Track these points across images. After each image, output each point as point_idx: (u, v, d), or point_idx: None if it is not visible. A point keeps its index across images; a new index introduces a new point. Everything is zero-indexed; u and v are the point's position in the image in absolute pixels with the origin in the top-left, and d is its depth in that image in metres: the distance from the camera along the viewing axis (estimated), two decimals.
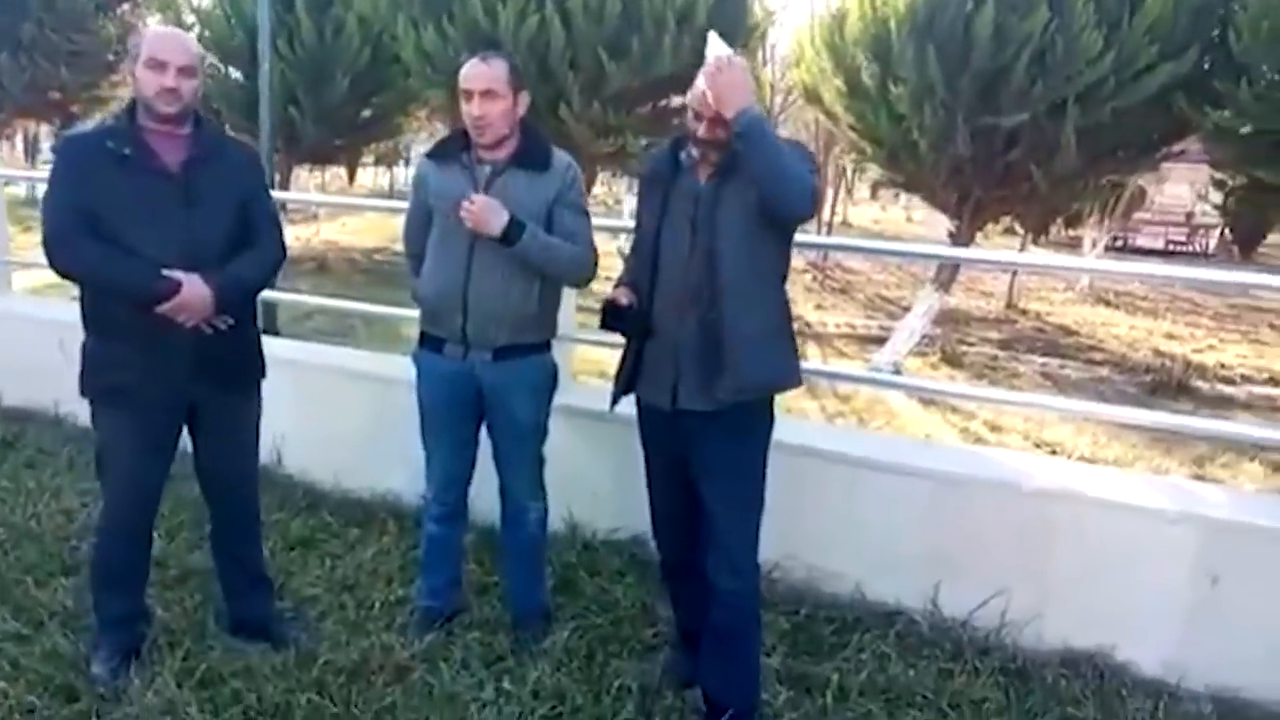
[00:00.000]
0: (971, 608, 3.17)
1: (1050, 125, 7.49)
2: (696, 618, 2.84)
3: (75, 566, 3.29)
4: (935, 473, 3.26)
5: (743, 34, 9.72)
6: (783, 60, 17.87)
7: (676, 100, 9.20)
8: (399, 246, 3.14)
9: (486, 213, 2.64)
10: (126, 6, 14.38)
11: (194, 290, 2.51)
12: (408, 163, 30.04)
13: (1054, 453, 6.50)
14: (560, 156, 2.85)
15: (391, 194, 29.60)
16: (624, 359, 2.74)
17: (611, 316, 2.62)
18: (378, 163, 29.57)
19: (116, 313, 2.58)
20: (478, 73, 2.71)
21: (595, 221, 2.99)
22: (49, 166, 2.67)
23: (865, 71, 8.28)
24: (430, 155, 2.94)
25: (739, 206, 2.46)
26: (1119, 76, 7.19)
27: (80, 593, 3.04)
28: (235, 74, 11.97)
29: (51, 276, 2.63)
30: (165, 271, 2.49)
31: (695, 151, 2.55)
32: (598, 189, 30.85)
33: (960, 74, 7.41)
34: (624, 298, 2.61)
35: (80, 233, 2.50)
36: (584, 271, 2.87)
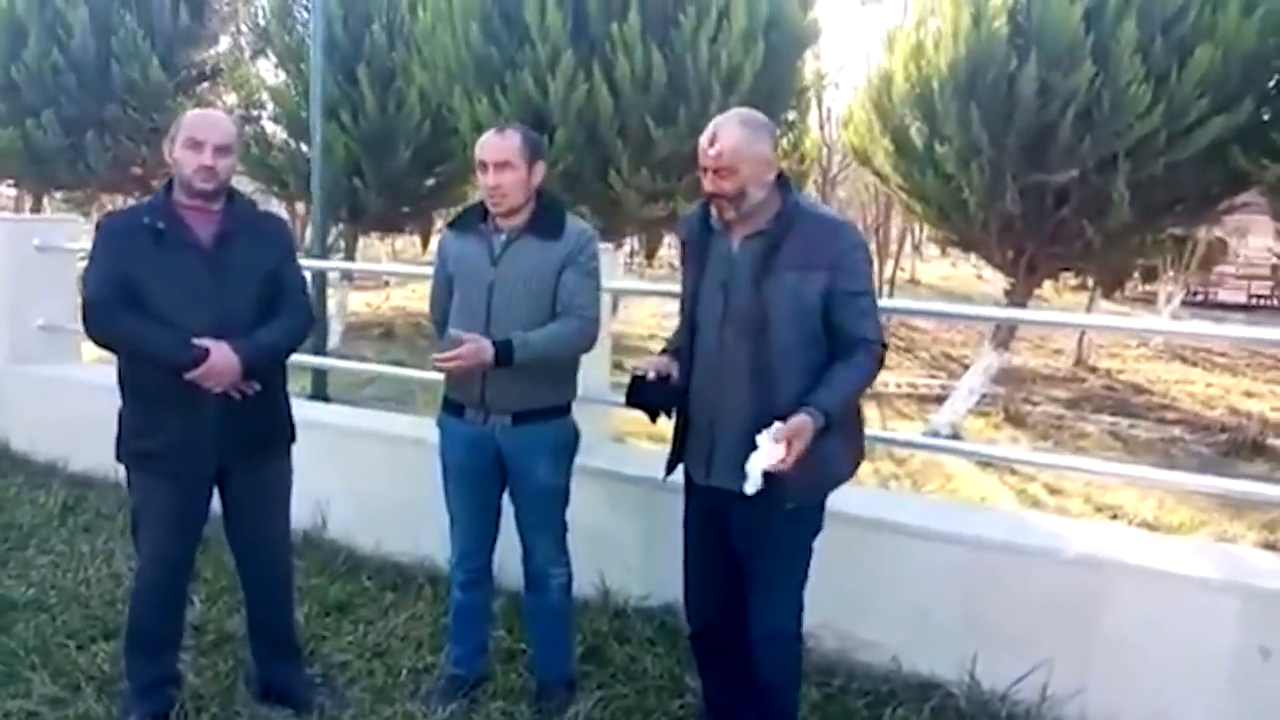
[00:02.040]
0: (1011, 680, 3.05)
1: (1101, 180, 7.35)
2: (723, 690, 2.79)
3: (117, 630, 3.34)
4: (971, 538, 3.18)
5: (791, 98, 9.81)
6: (840, 121, 17.98)
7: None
8: None
9: (472, 358, 2.66)
10: (205, 85, 15.07)
11: (222, 357, 2.59)
12: None
13: (1115, 517, 6.27)
14: (575, 224, 2.89)
15: None
16: (675, 426, 2.70)
17: (636, 392, 2.56)
18: None
19: (149, 380, 2.68)
20: (493, 145, 2.80)
21: (659, 286, 2.96)
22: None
23: (912, 131, 8.27)
24: (451, 225, 3.03)
25: (790, 300, 2.42)
26: (1170, 130, 7.04)
27: (118, 657, 3.10)
28: (304, 148, 12.40)
29: None
30: (194, 340, 2.58)
31: (716, 213, 2.54)
32: (663, 251, 31.24)
33: (1005, 131, 7.34)
34: (651, 371, 2.57)
35: (115, 303, 2.62)
36: (588, 343, 2.89)
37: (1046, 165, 7.39)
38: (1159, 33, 6.96)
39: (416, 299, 19.31)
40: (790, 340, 2.43)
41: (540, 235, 2.82)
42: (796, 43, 9.55)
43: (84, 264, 2.86)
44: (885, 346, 2.49)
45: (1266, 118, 7.29)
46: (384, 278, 19.92)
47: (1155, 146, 7.12)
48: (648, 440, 6.17)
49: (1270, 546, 5.46)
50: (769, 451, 2.29)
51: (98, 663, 3.19)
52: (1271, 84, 7.30)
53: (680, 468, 2.73)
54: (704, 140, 2.47)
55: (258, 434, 2.82)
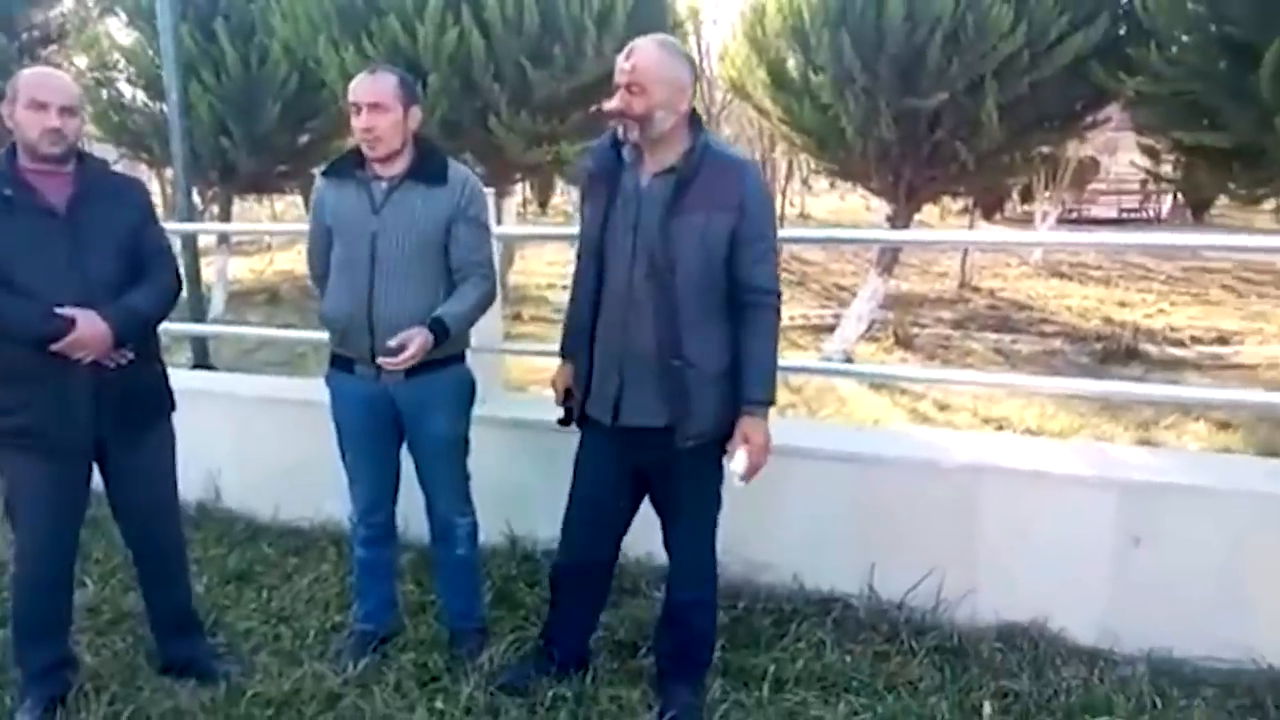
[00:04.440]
0: (906, 589, 3.18)
1: (971, 102, 7.58)
2: (572, 620, 2.88)
3: (3, 619, 3.22)
4: (858, 455, 3.28)
5: (666, 34, 9.73)
6: (718, 56, 17.97)
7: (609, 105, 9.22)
8: None
9: (420, 350, 2.59)
10: (52, 48, 14.17)
11: (89, 326, 2.47)
12: None
13: (1000, 427, 6.56)
14: (458, 170, 2.83)
15: None
16: (577, 372, 2.67)
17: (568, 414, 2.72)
18: None
19: (14, 355, 2.53)
20: (365, 86, 2.71)
21: (557, 230, 2.96)
22: None
23: (788, 63, 8.34)
24: (325, 174, 2.90)
25: (696, 240, 2.41)
26: (1033, 49, 7.28)
27: (7, 646, 2.98)
28: (164, 109, 11.79)
29: None
30: (58, 309, 2.45)
31: (621, 133, 2.49)
32: (557, 199, 30.86)
33: (877, 59, 7.48)
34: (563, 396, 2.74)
35: None
36: (492, 301, 2.89)
37: (918, 90, 7.55)
38: None
39: (301, 262, 18.71)
40: (696, 281, 2.43)
41: (423, 181, 2.74)
42: None
43: None
44: (779, 295, 2.50)
45: (1123, 32, 7.58)
46: (266, 241, 19.27)
47: (1019, 66, 7.35)
48: (539, 388, 6.16)
49: (1145, 444, 5.79)
50: None
51: None
52: (1125, 0, 7.57)
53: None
54: (621, 56, 2.46)
55: (135, 404, 2.71)
